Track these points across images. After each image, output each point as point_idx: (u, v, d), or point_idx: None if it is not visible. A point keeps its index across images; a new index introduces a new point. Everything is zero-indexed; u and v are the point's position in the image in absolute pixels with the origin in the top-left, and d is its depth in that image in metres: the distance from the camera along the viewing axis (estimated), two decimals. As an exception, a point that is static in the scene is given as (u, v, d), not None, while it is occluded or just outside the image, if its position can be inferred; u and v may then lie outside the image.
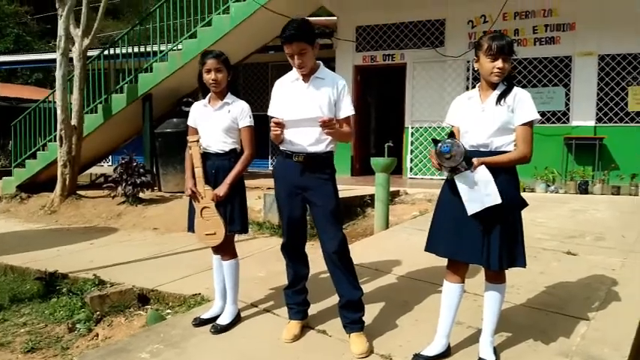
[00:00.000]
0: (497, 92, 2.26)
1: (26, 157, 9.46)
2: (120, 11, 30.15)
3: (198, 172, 2.86)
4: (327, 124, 2.36)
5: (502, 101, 2.21)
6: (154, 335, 2.75)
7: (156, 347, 2.59)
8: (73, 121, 8.35)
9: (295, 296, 2.74)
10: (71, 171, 8.38)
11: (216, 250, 3.01)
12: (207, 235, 2.88)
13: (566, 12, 8.14)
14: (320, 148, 2.58)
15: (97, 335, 3.61)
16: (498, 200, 2.10)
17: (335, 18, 9.77)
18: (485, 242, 2.18)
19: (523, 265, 2.25)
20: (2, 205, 8.91)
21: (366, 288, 3.43)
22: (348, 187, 7.64)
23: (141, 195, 7.87)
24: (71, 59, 8.38)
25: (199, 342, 2.67)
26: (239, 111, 2.89)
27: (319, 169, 2.59)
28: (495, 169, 2.16)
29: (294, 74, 2.65)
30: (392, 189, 7.09)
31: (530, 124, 2.21)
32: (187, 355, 2.53)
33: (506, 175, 2.21)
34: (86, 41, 8.27)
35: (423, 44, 9.08)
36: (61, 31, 7.92)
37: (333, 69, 9.88)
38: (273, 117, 2.59)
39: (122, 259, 5.00)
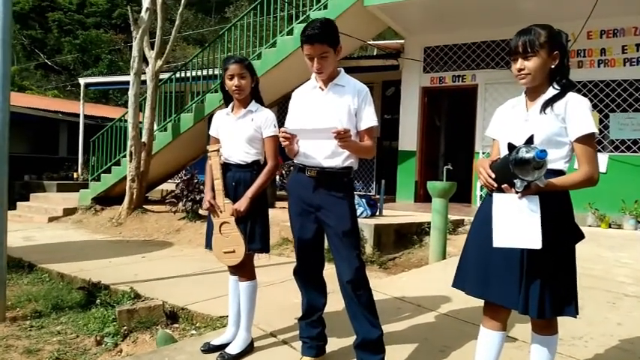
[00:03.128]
0: (543, 98, 1.85)
1: (102, 171, 10.00)
2: (207, 41, 32.09)
3: (218, 184, 2.67)
4: (341, 136, 2.07)
5: (549, 109, 1.80)
6: (158, 358, 2.55)
7: (156, 372, 2.39)
8: (144, 138, 8.71)
9: (309, 329, 2.43)
10: (139, 186, 8.69)
11: (234, 270, 2.78)
12: (225, 253, 2.67)
13: (661, 30, 7.27)
14: (336, 162, 2.28)
15: (121, 351, 3.52)
16: (537, 245, 1.66)
17: (401, 41, 9.50)
18: (524, 283, 1.75)
19: (573, 314, 1.78)
20: (77, 215, 9.44)
21: (402, 326, 3.04)
22: (407, 214, 7.23)
23: (200, 211, 7.96)
24: (144, 81, 8.79)
25: (202, 371, 2.43)
26: (263, 119, 2.68)
27: (334, 186, 2.29)
28: (546, 193, 1.73)
29: (312, 82, 2.41)
30: (456, 217, 6.60)
31: (588, 138, 1.77)
32: (184, 384, 2.30)
33: (557, 199, 1.78)
34: (159, 62, 8.66)
35: (496, 64, 8.52)
36: (135, 52, 8.35)
37: (399, 91, 9.61)
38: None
39: (165, 274, 4.97)
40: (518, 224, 1.68)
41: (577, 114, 1.78)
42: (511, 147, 1.68)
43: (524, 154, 1.60)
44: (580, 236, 1.81)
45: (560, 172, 1.80)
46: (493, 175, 1.76)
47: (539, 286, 1.73)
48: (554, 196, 1.76)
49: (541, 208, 1.68)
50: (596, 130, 1.78)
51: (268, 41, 8.49)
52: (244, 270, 2.72)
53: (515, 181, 1.65)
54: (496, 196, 1.75)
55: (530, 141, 1.68)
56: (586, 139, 1.77)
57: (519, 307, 1.74)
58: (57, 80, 27.00)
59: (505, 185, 1.73)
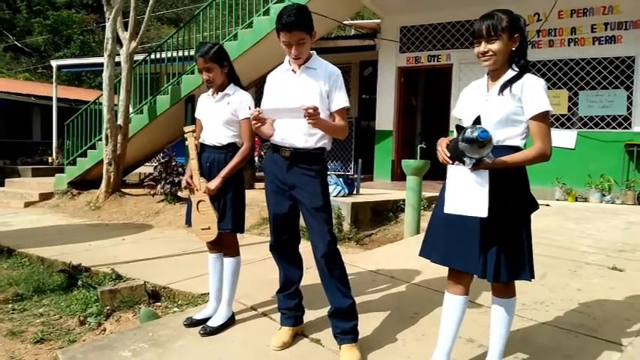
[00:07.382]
0: (503, 79, 1.97)
1: (77, 155, 9.88)
2: (181, 20, 31.43)
3: (193, 163, 2.76)
4: (309, 114, 2.15)
5: (507, 90, 1.93)
6: (142, 333, 2.65)
7: (140, 346, 2.49)
8: (119, 121, 8.62)
9: (286, 301, 2.55)
10: (116, 169, 8.64)
11: (213, 246, 2.88)
12: (202, 229, 2.77)
13: (628, 9, 7.45)
14: (309, 143, 2.37)
15: (105, 330, 3.60)
16: (483, 214, 1.80)
17: (378, 20, 9.54)
18: (482, 250, 1.89)
19: (528, 278, 1.94)
20: (54, 200, 9.35)
21: (376, 296, 3.20)
22: (384, 192, 7.39)
23: (179, 194, 7.98)
24: (119, 62, 8.66)
25: (185, 343, 2.54)
26: (238, 102, 2.75)
27: (307, 166, 2.38)
28: (502, 168, 1.86)
29: (285, 65, 2.49)
30: (430, 194, 6.76)
31: (542, 116, 1.90)
32: (168, 356, 2.40)
33: (512, 173, 1.91)
34: (133, 44, 8.53)
35: (470, 44, 8.64)
36: (108, 33, 8.20)
37: (375, 71, 9.68)
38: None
39: (146, 256, 5.03)
40: (467, 194, 1.82)
41: (533, 93, 1.90)
42: (459, 128, 1.83)
43: (469, 134, 1.75)
44: (534, 206, 1.96)
45: (517, 149, 1.94)
46: (449, 154, 1.90)
47: (496, 252, 1.88)
48: (510, 170, 1.90)
49: (497, 181, 1.82)
50: (550, 109, 1.91)
51: (245, 20, 8.42)
52: (228, 247, 2.83)
53: (464, 159, 1.80)
54: (450, 168, 1.91)
55: (477, 122, 1.82)
56: (540, 117, 1.90)
57: (478, 271, 1.89)
58: (27, 62, 26.18)
59: (457, 162, 1.87)
